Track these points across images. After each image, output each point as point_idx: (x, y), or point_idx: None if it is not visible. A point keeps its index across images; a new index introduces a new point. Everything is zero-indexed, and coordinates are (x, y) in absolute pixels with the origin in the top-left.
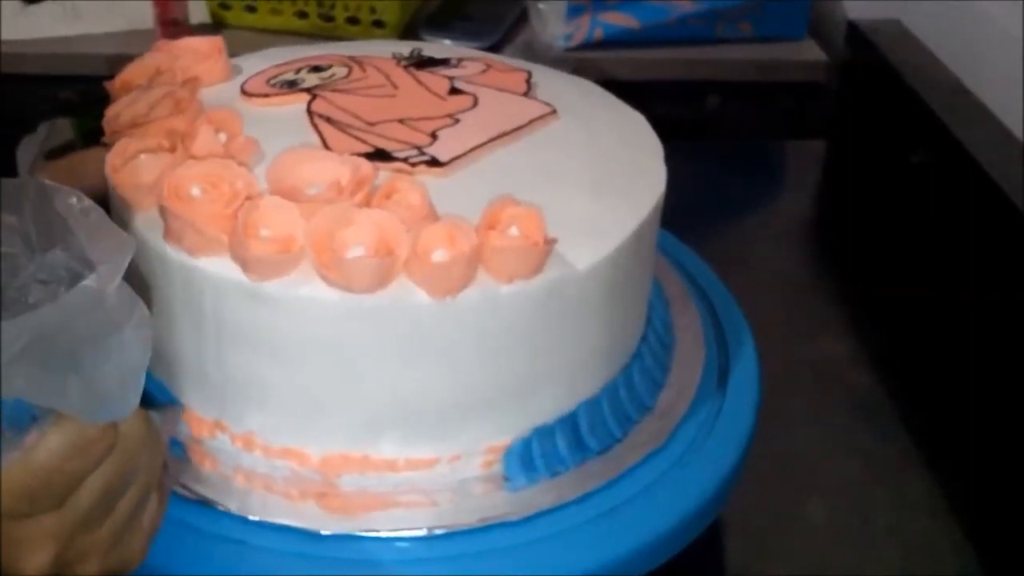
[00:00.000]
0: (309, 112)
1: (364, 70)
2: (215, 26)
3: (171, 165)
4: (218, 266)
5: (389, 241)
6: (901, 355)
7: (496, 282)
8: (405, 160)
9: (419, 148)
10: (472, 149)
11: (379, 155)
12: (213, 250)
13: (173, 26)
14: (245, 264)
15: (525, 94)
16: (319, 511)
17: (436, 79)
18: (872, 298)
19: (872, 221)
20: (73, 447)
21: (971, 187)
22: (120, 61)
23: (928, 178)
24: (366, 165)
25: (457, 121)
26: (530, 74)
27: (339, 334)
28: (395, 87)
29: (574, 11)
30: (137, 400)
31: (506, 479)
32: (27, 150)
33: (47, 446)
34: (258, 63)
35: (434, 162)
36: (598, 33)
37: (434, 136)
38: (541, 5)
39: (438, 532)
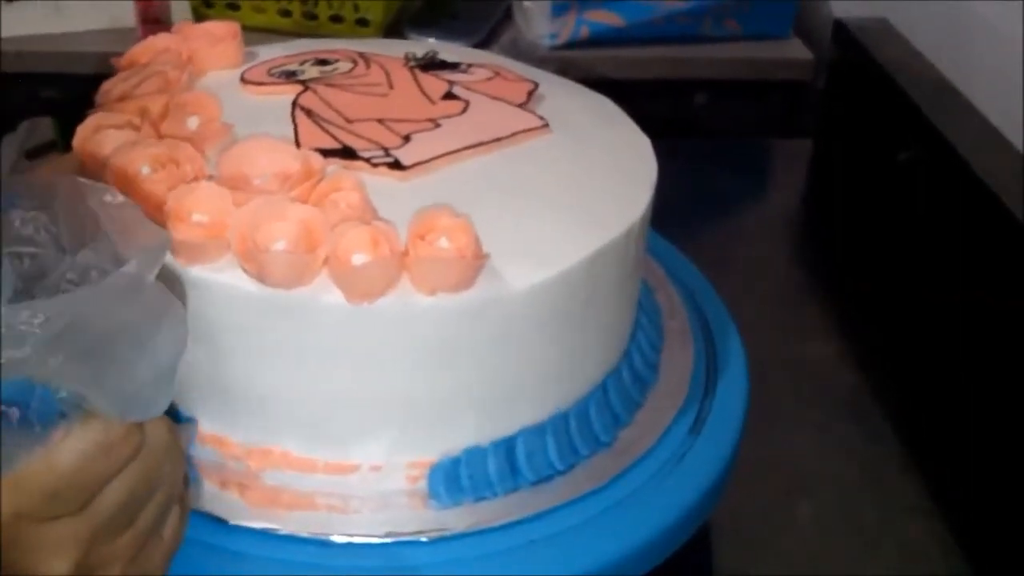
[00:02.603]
0: (294, 104)
1: (368, 67)
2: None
3: (129, 142)
4: None
5: (312, 239)
6: (888, 354)
7: (418, 292)
8: (368, 160)
9: (386, 149)
10: (440, 156)
11: (345, 152)
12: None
13: (155, 24)
14: (174, 246)
15: (522, 105)
16: (240, 503)
17: (434, 82)
18: (860, 297)
19: (859, 220)
20: (99, 446)
21: (959, 185)
22: (103, 59)
23: (915, 176)
24: (317, 160)
25: (438, 126)
26: (536, 85)
27: (256, 326)
28: (390, 87)
29: (559, 9)
30: (168, 401)
31: (430, 496)
32: (8, 149)
33: (72, 444)
34: (272, 52)
35: (396, 164)
36: (584, 31)
37: (407, 139)
38: (526, 4)
39: (340, 540)
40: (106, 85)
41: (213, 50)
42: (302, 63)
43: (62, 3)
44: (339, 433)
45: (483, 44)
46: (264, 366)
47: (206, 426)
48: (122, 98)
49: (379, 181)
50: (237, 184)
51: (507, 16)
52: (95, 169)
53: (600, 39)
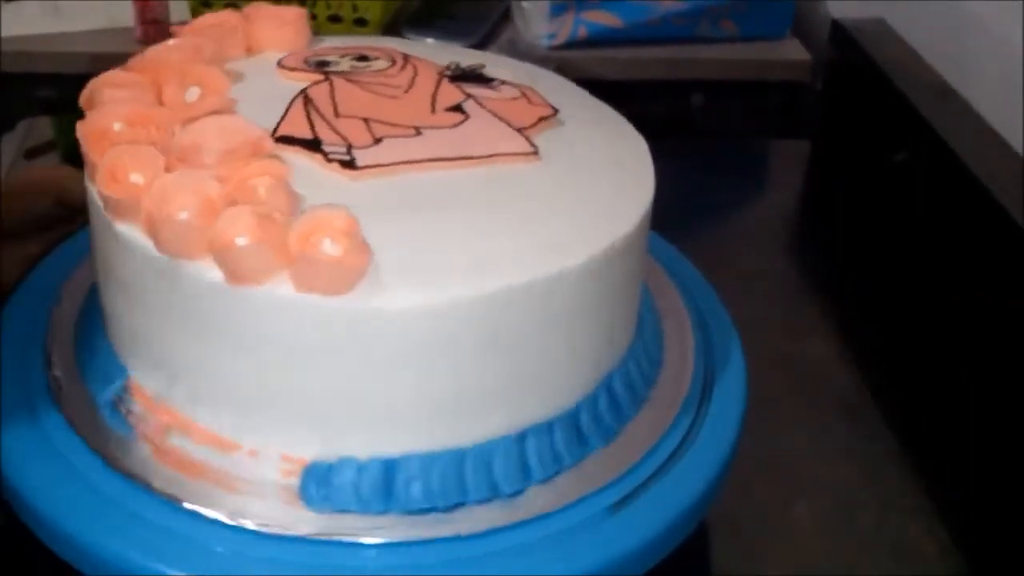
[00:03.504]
0: (301, 92)
1: (403, 69)
2: None
3: (119, 100)
4: (94, 195)
5: (208, 215)
6: (887, 354)
7: (290, 287)
8: (326, 154)
9: (350, 147)
10: (397, 163)
11: (310, 143)
12: (92, 177)
13: (153, 25)
14: (104, 201)
15: (524, 128)
16: (155, 462)
17: (452, 93)
18: (858, 297)
19: (857, 220)
20: None
21: (956, 186)
22: (101, 59)
23: (913, 177)
24: (267, 144)
25: (418, 134)
26: (555, 112)
27: (154, 287)
28: (407, 91)
29: (557, 9)
30: None
31: (300, 495)
32: (6, 149)
33: None
34: (334, 42)
35: (349, 164)
36: (582, 32)
37: (378, 141)
38: (524, 4)
39: (211, 516)
40: (151, 51)
41: (277, 31)
42: (343, 56)
43: (60, 3)
44: (226, 412)
45: (481, 44)
46: (157, 321)
47: (134, 376)
48: (155, 64)
49: (332, 177)
50: (186, 154)
51: (505, 16)
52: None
53: (598, 39)
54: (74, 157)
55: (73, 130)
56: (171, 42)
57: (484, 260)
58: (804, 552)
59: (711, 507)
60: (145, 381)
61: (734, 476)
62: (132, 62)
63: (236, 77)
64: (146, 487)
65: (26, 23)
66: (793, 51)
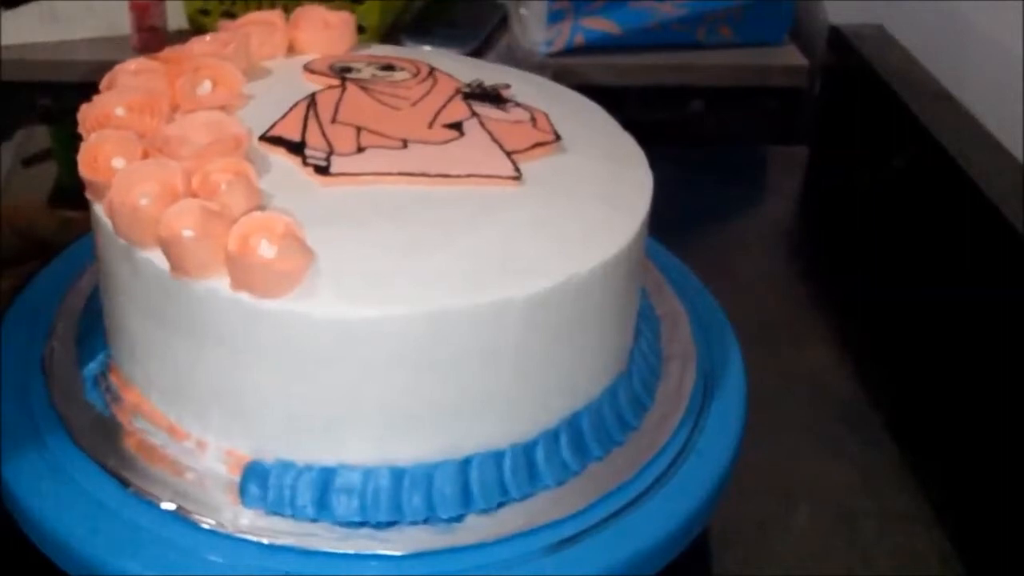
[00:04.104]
0: (310, 95)
1: (421, 82)
2: (194, 32)
3: (128, 87)
4: None
5: (166, 204)
6: (886, 361)
7: (225, 284)
8: (305, 158)
9: (330, 154)
10: (370, 173)
11: (295, 146)
12: None
13: (151, 32)
14: (87, 185)
15: (514, 153)
16: (122, 448)
17: (457, 110)
18: (856, 304)
19: (856, 225)
20: None
21: (955, 191)
22: (99, 68)
23: (911, 183)
24: (249, 142)
25: (404, 147)
26: (557, 139)
27: (116, 271)
28: (414, 104)
29: (555, 16)
30: None
31: (241, 492)
32: (4, 158)
33: None
34: (372, 50)
35: (323, 170)
36: (579, 39)
37: (361, 150)
38: (522, 11)
39: (164, 506)
40: (192, 42)
41: (320, 34)
42: (368, 64)
43: (57, 7)
44: (178, 400)
45: (479, 51)
46: (122, 304)
47: (113, 357)
48: (180, 55)
49: (306, 181)
50: (169, 145)
51: (503, 23)
52: None
53: (595, 46)
54: (69, 164)
55: (70, 139)
56: (207, 36)
57: (430, 278)
58: (803, 557)
59: (711, 515)
60: (119, 362)
61: (733, 482)
62: (164, 52)
63: (262, 75)
64: (100, 466)
65: (24, 31)
66: (791, 57)
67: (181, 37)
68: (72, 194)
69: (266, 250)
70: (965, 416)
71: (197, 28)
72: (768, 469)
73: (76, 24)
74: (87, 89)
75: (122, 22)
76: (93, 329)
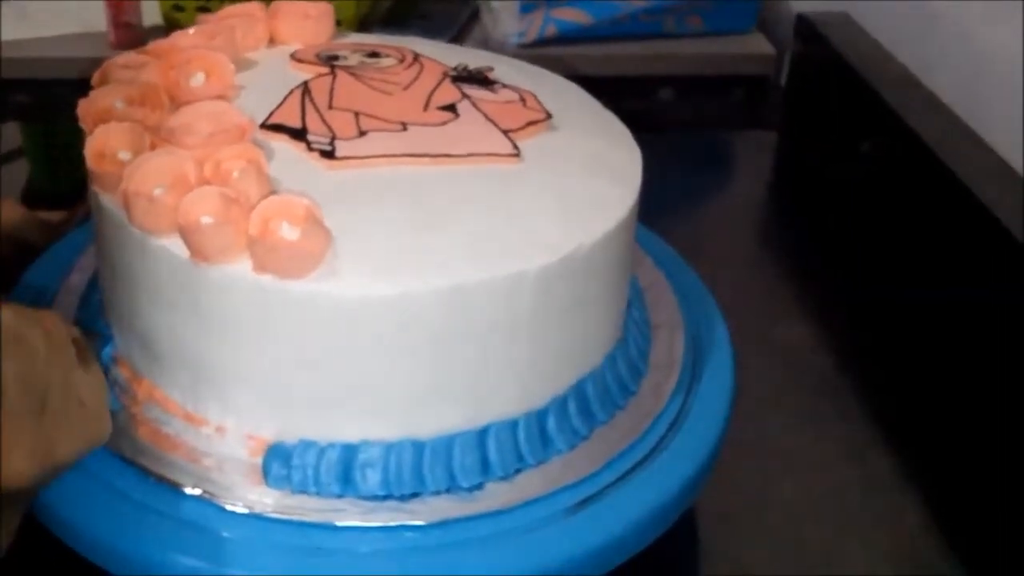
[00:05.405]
0: (304, 83)
1: (409, 68)
2: (169, 28)
3: (123, 81)
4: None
5: (178, 194)
6: (857, 336)
7: (249, 269)
8: (309, 143)
9: (333, 139)
10: (375, 156)
11: (298, 132)
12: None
13: (126, 28)
14: (93, 176)
15: (511, 131)
16: (135, 439)
17: (449, 93)
18: (828, 280)
19: (825, 207)
20: None
21: (922, 172)
22: (73, 64)
23: (879, 164)
24: (253, 129)
25: (404, 130)
26: (548, 117)
27: (129, 262)
28: (406, 88)
29: (527, 8)
30: None
31: (264, 473)
32: None
33: None
34: (353, 39)
35: (329, 154)
36: (551, 29)
37: (363, 134)
38: (494, 3)
39: (183, 489)
40: (176, 35)
41: (300, 25)
42: (354, 51)
43: (30, 5)
44: (194, 387)
45: (453, 43)
46: (133, 294)
47: (119, 347)
48: (168, 49)
49: (312, 166)
50: (174, 134)
51: (475, 15)
52: None
53: (567, 36)
54: (42, 163)
55: (43, 137)
56: (191, 29)
57: (446, 254)
58: (793, 530)
59: (698, 492)
60: (126, 353)
61: (719, 457)
62: (150, 46)
63: (249, 65)
64: (116, 453)
65: None
66: (758, 45)
67: (156, 33)
68: (45, 194)
69: (288, 232)
70: (942, 386)
71: (171, 24)
72: (753, 444)
73: (50, 22)
74: (62, 86)
75: (95, 19)
76: (92, 325)
